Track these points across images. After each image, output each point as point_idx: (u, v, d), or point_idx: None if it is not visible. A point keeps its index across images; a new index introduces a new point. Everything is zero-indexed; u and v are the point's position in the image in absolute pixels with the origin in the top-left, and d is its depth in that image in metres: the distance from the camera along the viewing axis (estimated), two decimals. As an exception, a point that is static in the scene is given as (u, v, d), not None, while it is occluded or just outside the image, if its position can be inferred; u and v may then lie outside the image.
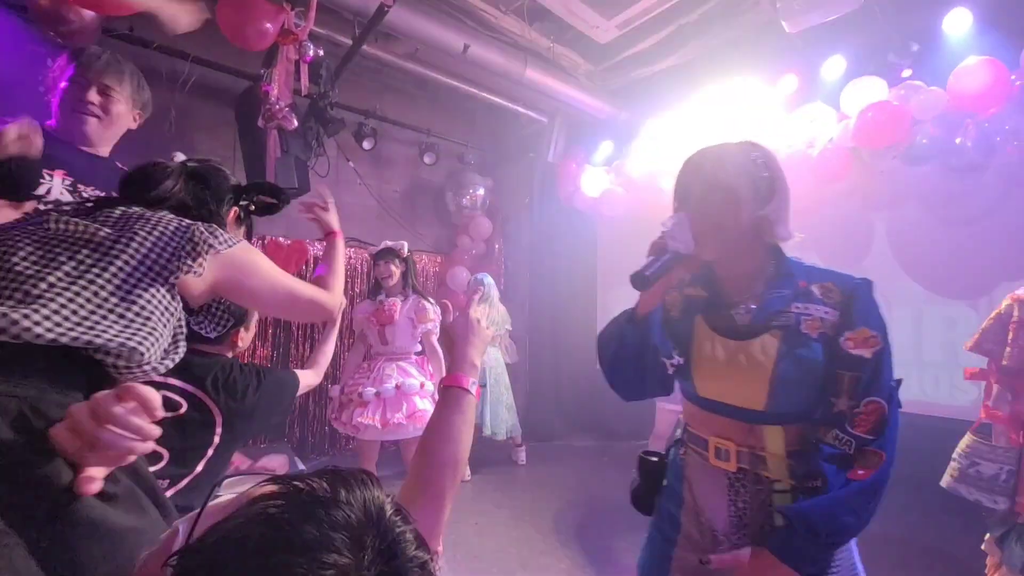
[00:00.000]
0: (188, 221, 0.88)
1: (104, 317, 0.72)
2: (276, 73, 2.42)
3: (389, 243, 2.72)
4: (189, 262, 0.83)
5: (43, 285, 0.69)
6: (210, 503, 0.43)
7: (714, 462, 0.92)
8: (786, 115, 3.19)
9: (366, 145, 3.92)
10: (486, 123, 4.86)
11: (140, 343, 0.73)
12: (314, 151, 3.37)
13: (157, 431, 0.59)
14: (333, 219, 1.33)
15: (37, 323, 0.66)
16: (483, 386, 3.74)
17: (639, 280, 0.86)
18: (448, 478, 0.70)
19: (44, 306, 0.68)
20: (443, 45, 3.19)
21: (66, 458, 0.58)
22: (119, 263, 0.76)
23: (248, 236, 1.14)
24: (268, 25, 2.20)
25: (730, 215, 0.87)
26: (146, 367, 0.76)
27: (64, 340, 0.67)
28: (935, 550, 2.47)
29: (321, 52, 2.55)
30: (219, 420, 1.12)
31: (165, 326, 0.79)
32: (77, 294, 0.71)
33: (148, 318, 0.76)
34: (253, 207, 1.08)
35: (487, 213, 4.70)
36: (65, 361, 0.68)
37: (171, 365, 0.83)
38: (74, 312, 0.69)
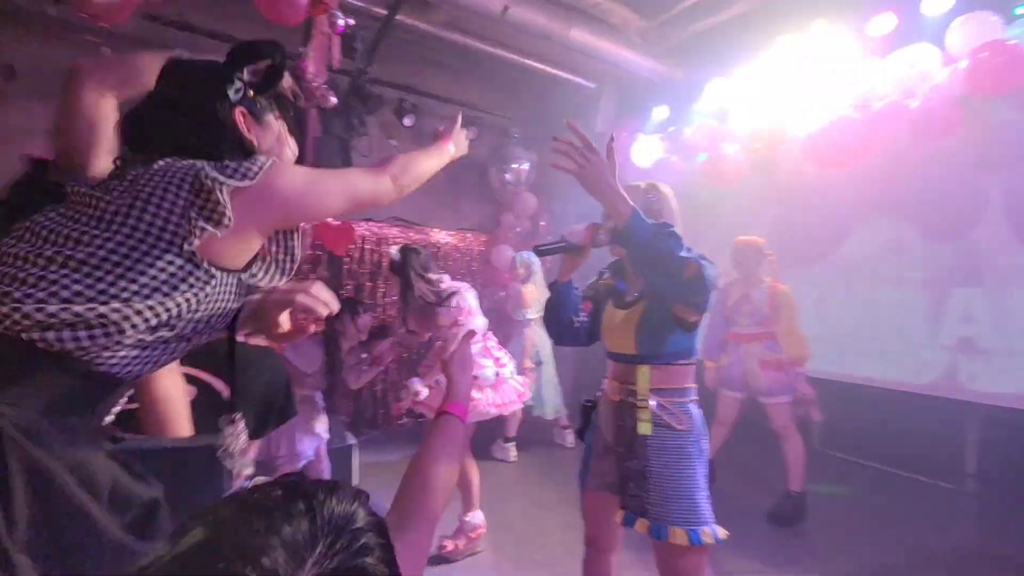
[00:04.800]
0: (190, 164, 0.70)
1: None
2: (311, 48, 2.35)
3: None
4: (202, 223, 0.67)
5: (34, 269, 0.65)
6: None
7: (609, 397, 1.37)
8: (878, 62, 2.73)
9: (407, 122, 3.83)
10: (530, 94, 4.62)
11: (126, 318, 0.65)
12: (356, 130, 3.33)
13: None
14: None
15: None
16: (539, 363, 3.66)
17: (535, 250, 1.41)
18: (443, 503, 0.75)
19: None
20: (481, 8, 2.99)
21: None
22: (119, 237, 0.67)
23: (293, 130, 0.94)
24: (299, -4, 2.11)
25: None
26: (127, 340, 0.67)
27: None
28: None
29: (352, 21, 2.45)
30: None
31: (173, 301, 0.68)
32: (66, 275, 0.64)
33: (149, 294, 0.66)
34: (251, 88, 0.81)
35: (532, 189, 4.51)
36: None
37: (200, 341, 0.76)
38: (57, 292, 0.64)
